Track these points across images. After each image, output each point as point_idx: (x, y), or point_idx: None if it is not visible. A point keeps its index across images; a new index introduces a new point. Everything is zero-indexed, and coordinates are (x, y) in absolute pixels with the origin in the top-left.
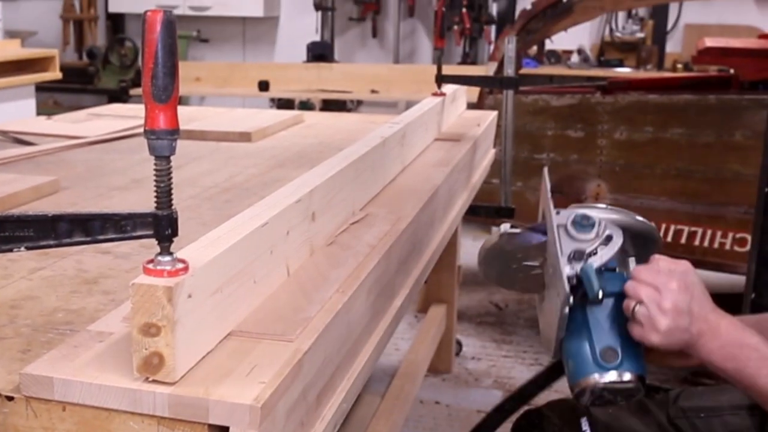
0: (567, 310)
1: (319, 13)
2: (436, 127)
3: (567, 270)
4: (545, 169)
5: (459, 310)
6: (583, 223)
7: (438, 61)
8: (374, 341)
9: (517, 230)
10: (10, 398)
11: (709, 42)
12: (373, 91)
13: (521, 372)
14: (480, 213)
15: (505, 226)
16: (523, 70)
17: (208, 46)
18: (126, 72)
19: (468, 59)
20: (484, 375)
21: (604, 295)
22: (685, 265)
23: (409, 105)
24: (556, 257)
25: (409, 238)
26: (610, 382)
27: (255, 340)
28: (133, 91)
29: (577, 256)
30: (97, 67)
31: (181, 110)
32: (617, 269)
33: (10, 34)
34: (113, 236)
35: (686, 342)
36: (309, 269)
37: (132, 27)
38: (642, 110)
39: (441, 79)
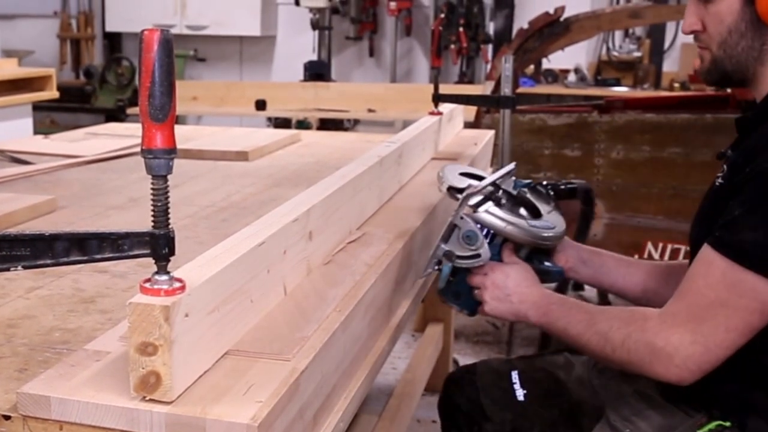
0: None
1: (316, 32)
2: (433, 146)
3: (441, 246)
4: (513, 164)
5: (456, 329)
6: (467, 242)
7: (435, 80)
8: (371, 360)
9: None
10: (7, 417)
11: None
12: (370, 110)
13: None
14: None
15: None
16: (520, 90)
17: (205, 65)
18: (123, 91)
19: (465, 78)
20: None
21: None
22: (515, 265)
23: (406, 124)
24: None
25: (406, 258)
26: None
27: (252, 360)
28: (131, 110)
29: (447, 254)
30: (94, 86)
31: (178, 129)
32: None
33: (8, 53)
34: (110, 255)
35: (513, 310)
36: (306, 288)
37: (129, 46)
38: (639, 129)
39: (438, 99)
